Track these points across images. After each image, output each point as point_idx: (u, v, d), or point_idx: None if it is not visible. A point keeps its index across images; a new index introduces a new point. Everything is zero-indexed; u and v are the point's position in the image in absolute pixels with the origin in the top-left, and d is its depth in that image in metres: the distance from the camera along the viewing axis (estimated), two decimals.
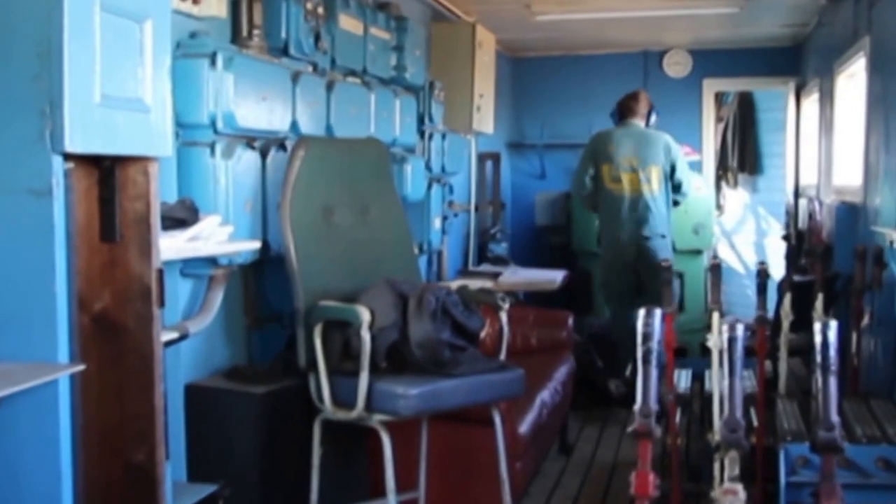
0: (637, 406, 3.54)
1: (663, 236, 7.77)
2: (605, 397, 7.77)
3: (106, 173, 2.84)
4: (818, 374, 3.61)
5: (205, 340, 4.33)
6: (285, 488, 4.30)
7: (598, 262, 8.39)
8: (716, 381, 3.75)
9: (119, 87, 2.69)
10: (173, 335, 3.77)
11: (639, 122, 7.98)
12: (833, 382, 3.58)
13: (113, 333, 2.87)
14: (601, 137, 7.98)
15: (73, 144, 2.52)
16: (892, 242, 4.26)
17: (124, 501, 2.89)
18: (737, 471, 3.50)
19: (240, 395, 4.20)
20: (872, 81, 6.18)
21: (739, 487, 3.48)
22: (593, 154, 7.89)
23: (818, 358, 3.60)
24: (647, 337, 3.60)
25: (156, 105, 2.86)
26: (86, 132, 2.56)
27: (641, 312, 3.66)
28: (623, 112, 8.04)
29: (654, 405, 3.52)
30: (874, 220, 5.66)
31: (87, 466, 2.83)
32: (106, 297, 2.87)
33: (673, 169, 7.84)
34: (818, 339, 3.60)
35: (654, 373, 3.55)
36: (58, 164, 2.53)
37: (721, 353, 3.69)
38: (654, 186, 7.76)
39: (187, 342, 4.00)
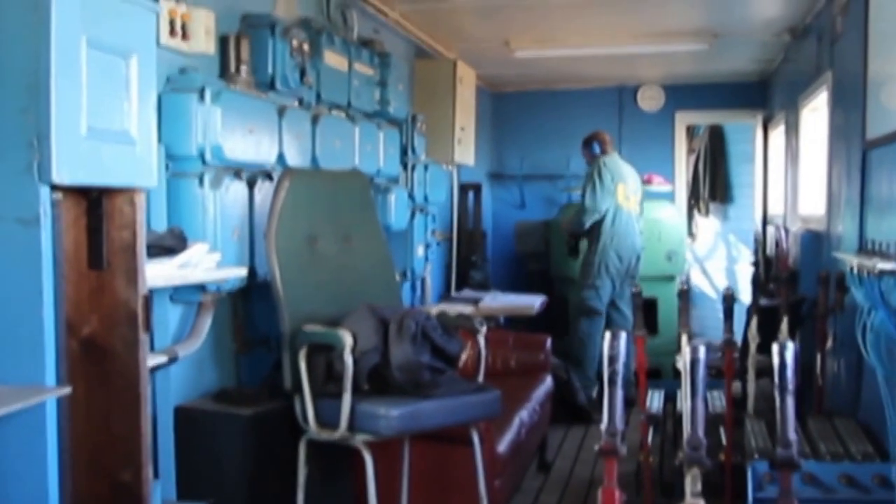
0: (603, 425, 3.54)
1: (643, 248, 8.51)
2: (582, 415, 7.79)
3: (93, 203, 2.84)
4: (777, 394, 3.62)
5: (194, 364, 4.31)
6: None
7: (574, 285, 8.59)
8: (683, 401, 3.75)
9: (105, 120, 2.70)
10: (163, 359, 3.76)
11: (615, 154, 8.58)
12: (790, 402, 3.59)
13: (100, 357, 2.86)
14: (613, 162, 8.45)
15: (61, 176, 2.52)
16: (852, 268, 4.27)
17: None
18: (699, 487, 3.50)
19: (228, 416, 4.18)
20: (834, 114, 6.20)
21: (702, 502, 3.48)
22: (613, 177, 8.29)
23: (777, 378, 3.61)
24: (612, 359, 3.60)
25: (141, 137, 2.86)
26: (73, 164, 2.56)
27: (608, 335, 3.66)
28: (605, 145, 8.54)
29: (619, 424, 3.52)
30: (837, 247, 5.67)
31: (76, 486, 2.81)
32: (94, 322, 2.86)
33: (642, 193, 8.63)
34: (776, 360, 3.61)
35: (619, 393, 3.55)
36: (45, 194, 2.53)
37: (687, 373, 3.69)
38: (640, 208, 8.53)
39: (177, 366, 3.99)
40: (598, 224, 8.26)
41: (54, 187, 2.57)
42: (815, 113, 7.09)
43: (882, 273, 3.84)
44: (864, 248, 4.82)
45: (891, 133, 4.55)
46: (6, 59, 2.51)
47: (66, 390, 2.63)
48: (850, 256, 4.60)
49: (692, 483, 3.48)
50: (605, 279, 8.25)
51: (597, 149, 8.52)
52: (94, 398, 2.84)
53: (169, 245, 3.61)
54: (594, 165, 8.35)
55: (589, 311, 8.26)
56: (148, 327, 2.93)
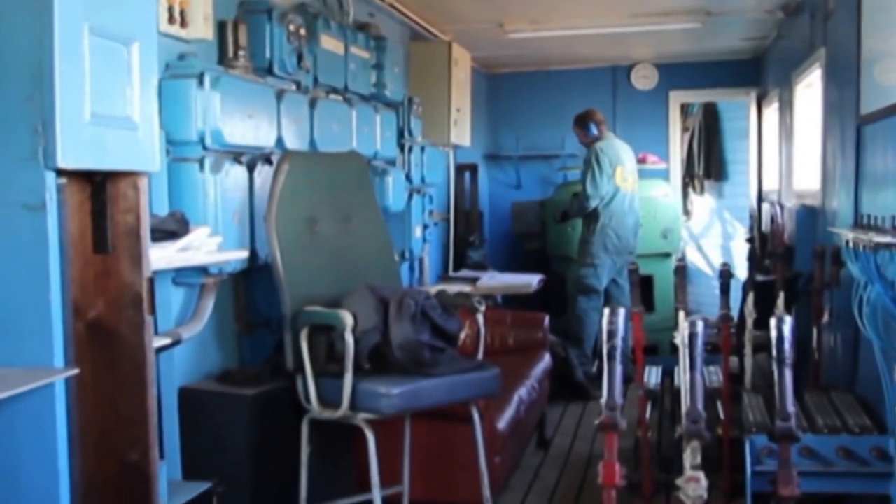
0: (603, 400, 3.58)
1: (641, 225, 8.70)
2: (580, 392, 7.84)
3: (98, 188, 2.85)
4: (775, 367, 3.66)
5: (197, 346, 4.34)
6: (276, 484, 4.31)
7: (573, 264, 8.75)
8: (682, 376, 3.78)
9: (108, 106, 2.71)
10: (167, 341, 3.78)
11: (610, 134, 8.70)
12: (789, 374, 3.63)
13: (106, 339, 2.88)
14: (610, 146, 8.53)
15: (65, 161, 2.54)
16: (848, 242, 4.29)
17: (120, 499, 2.90)
18: (699, 459, 3.55)
19: (231, 397, 4.21)
20: (828, 90, 6.22)
21: (701, 475, 3.53)
22: (611, 161, 8.40)
23: (774, 351, 3.64)
24: (611, 335, 3.64)
25: (144, 122, 2.88)
26: (77, 149, 2.58)
27: (606, 311, 3.70)
28: (601, 125, 8.64)
29: (619, 399, 3.56)
30: (832, 222, 5.70)
31: (84, 466, 2.84)
32: (99, 305, 2.88)
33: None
34: (774, 333, 3.64)
35: (618, 368, 3.59)
36: (51, 179, 2.55)
37: (685, 348, 3.73)
38: (636, 186, 8.69)
39: (181, 347, 4.01)
40: (600, 207, 8.36)
41: (59, 172, 2.58)
42: (809, 89, 7.11)
43: (878, 247, 3.85)
44: (859, 223, 4.84)
45: (885, 108, 4.57)
46: (10, 48, 2.52)
47: (74, 371, 2.65)
48: (846, 231, 4.62)
49: (692, 455, 3.53)
50: (604, 258, 8.34)
51: (593, 130, 8.60)
52: (101, 380, 2.86)
53: (171, 229, 3.63)
54: (592, 152, 8.42)
55: (587, 289, 8.32)
56: (152, 310, 2.95)
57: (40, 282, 2.57)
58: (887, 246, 3.77)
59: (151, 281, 2.94)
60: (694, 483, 3.50)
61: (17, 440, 2.59)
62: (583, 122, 8.67)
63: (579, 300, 8.36)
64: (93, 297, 2.87)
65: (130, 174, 2.90)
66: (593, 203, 8.31)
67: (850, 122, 5.34)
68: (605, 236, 8.35)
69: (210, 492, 3.81)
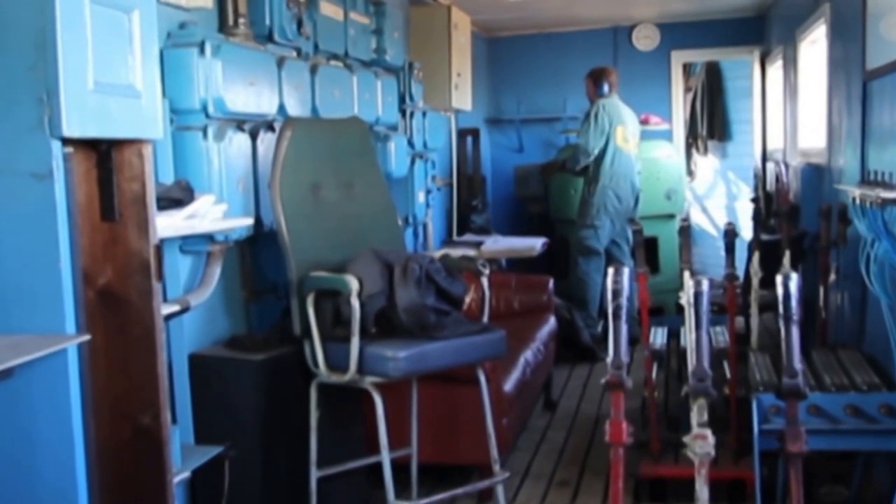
0: (609, 359, 3.61)
1: (641, 189, 8.69)
2: (586, 354, 7.91)
3: (103, 156, 2.89)
4: (782, 325, 3.68)
5: (205, 312, 4.38)
6: (286, 448, 4.37)
7: (575, 226, 8.72)
8: (688, 335, 3.81)
9: (111, 75, 2.74)
10: (175, 308, 3.83)
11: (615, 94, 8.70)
12: (795, 332, 3.65)
13: (116, 306, 2.93)
14: (613, 105, 8.57)
15: (71, 129, 2.57)
16: (855, 199, 4.29)
17: (133, 462, 2.96)
18: (706, 417, 3.58)
19: (240, 362, 4.26)
20: (833, 47, 6.21)
21: (708, 432, 3.57)
22: (610, 121, 8.42)
23: (781, 309, 3.67)
24: (616, 294, 3.67)
25: (146, 90, 2.91)
26: (82, 118, 2.61)
27: (611, 271, 3.73)
28: (612, 84, 8.68)
29: (625, 358, 3.60)
30: (838, 180, 5.70)
31: (99, 430, 2.90)
32: (108, 273, 2.93)
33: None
34: (780, 290, 3.66)
35: (624, 327, 3.62)
36: (57, 148, 2.59)
37: (690, 307, 3.75)
38: (637, 149, 8.74)
39: (189, 314, 4.05)
40: (598, 165, 8.41)
41: (65, 141, 2.62)
42: (814, 46, 7.10)
43: (885, 203, 3.85)
44: (866, 180, 4.83)
45: (892, 62, 4.56)
46: (13, 18, 2.55)
47: (86, 337, 2.70)
48: (853, 188, 4.62)
49: (698, 413, 3.57)
50: (605, 219, 8.39)
51: (605, 88, 8.64)
52: (112, 346, 2.91)
53: (177, 197, 3.66)
54: (593, 107, 8.46)
55: (587, 250, 8.37)
56: (160, 276, 2.99)
57: (50, 249, 2.61)
58: (895, 202, 3.79)
59: (159, 248, 2.99)
60: (701, 440, 3.54)
61: (33, 406, 2.64)
62: (598, 77, 8.69)
63: (580, 262, 8.41)
64: (102, 265, 2.92)
65: (135, 142, 2.94)
66: (582, 158, 8.39)
67: (856, 77, 5.34)
68: (605, 197, 8.39)
69: (222, 456, 3.87)
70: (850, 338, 5.44)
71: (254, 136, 4.54)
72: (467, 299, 4.89)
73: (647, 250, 5.64)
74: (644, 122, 9.95)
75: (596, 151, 8.38)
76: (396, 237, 4.95)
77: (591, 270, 8.36)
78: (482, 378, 4.53)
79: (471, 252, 6.97)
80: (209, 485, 4.01)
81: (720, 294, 5.76)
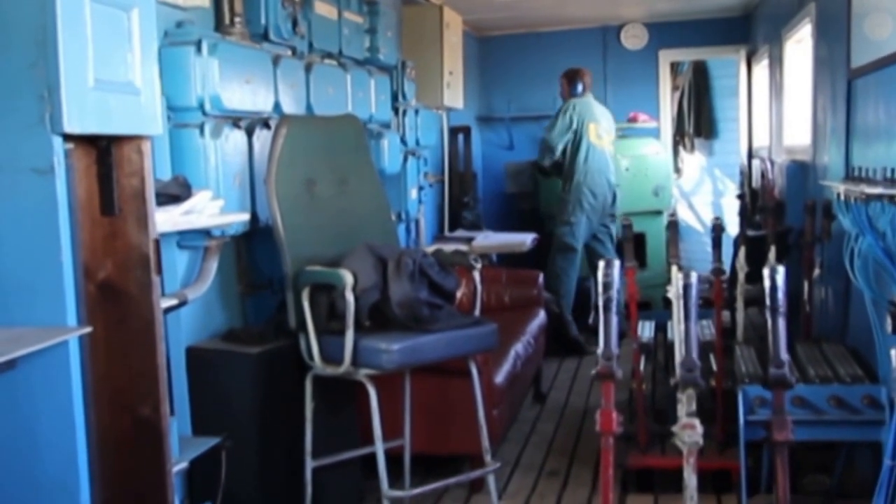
0: (600, 350, 3.63)
1: (618, 185, 8.77)
2: (575, 348, 7.94)
3: (103, 152, 2.90)
4: (768, 316, 3.70)
5: (203, 306, 4.39)
6: (282, 439, 4.38)
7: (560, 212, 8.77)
8: (676, 327, 3.83)
9: (111, 72, 2.75)
10: (173, 302, 3.84)
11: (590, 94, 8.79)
12: (782, 323, 3.67)
13: (116, 299, 2.94)
14: (584, 104, 8.62)
15: (71, 126, 2.58)
16: (839, 195, 4.31)
17: (134, 452, 2.97)
18: (694, 407, 3.61)
19: (237, 355, 4.27)
20: (818, 46, 6.23)
21: (697, 422, 3.59)
22: (580, 118, 8.47)
23: (768, 301, 3.69)
24: (607, 286, 3.69)
25: (145, 87, 2.92)
26: (82, 114, 2.62)
27: (601, 264, 3.75)
28: (586, 85, 8.73)
29: (614, 349, 3.62)
30: (823, 176, 5.71)
31: (99, 420, 2.91)
32: (109, 266, 2.94)
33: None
34: (767, 283, 3.68)
35: (614, 319, 3.64)
36: (58, 144, 2.59)
37: (678, 300, 3.77)
38: (612, 147, 8.80)
39: (186, 308, 4.07)
40: (572, 162, 8.50)
41: (66, 137, 2.63)
42: (799, 45, 7.11)
43: (869, 198, 3.86)
44: (850, 176, 4.84)
45: (876, 61, 4.58)
46: (15, 16, 2.55)
47: (87, 330, 2.71)
48: (838, 184, 4.63)
49: (687, 403, 3.59)
50: (580, 216, 8.44)
51: (579, 88, 8.71)
52: (112, 338, 2.92)
53: (174, 193, 3.67)
54: (563, 106, 8.61)
55: (563, 247, 8.44)
56: (159, 270, 3.00)
57: (51, 244, 2.62)
58: (878, 197, 3.79)
59: (158, 242, 3.00)
60: (690, 430, 3.56)
61: (35, 397, 2.66)
62: (572, 77, 8.77)
63: (556, 258, 8.46)
64: (102, 259, 2.93)
65: (134, 138, 2.95)
66: (547, 154, 8.54)
67: (840, 76, 5.35)
68: (580, 194, 8.44)
69: (219, 446, 3.88)
70: (833, 331, 5.47)
71: (250, 133, 4.54)
72: (459, 294, 4.90)
73: (635, 246, 5.65)
74: (632, 120, 10.00)
75: (560, 147, 8.46)
76: (390, 232, 4.96)
77: (566, 267, 8.42)
78: (474, 370, 4.54)
79: (462, 247, 7.00)
80: (206, 475, 4.01)
81: (706, 288, 5.78)
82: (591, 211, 8.45)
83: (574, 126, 8.44)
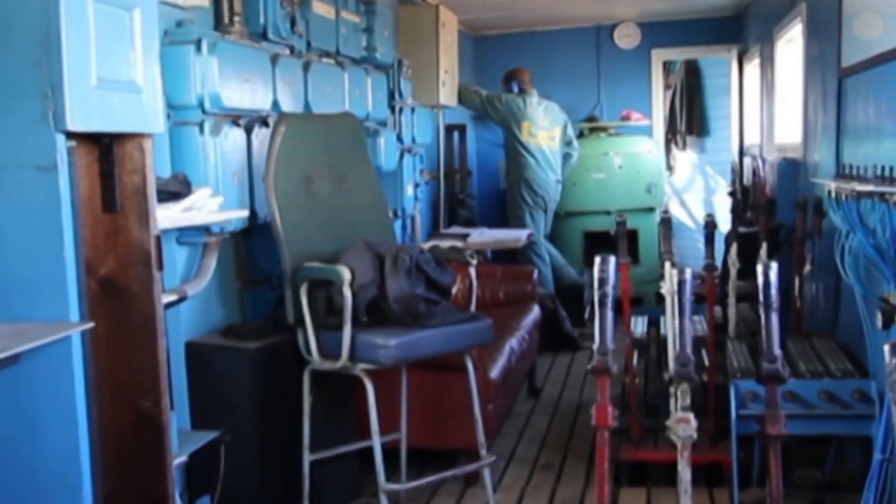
0: (595, 345, 3.63)
1: (559, 181, 9.09)
2: (569, 343, 7.94)
3: (105, 150, 2.89)
4: (761, 312, 3.71)
5: (202, 302, 4.39)
6: (280, 433, 4.39)
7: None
8: (669, 323, 3.84)
9: (113, 71, 2.75)
10: (173, 297, 3.83)
11: (533, 92, 9.08)
12: (775, 319, 3.68)
13: (118, 295, 2.94)
14: (515, 101, 9.02)
15: (74, 124, 2.58)
16: (830, 192, 4.32)
17: (135, 445, 2.97)
18: (688, 401, 3.61)
19: (235, 350, 4.28)
20: (809, 45, 6.23)
21: (691, 416, 3.60)
22: (506, 110, 8.93)
23: (761, 296, 3.70)
24: (602, 282, 3.69)
25: (147, 86, 2.92)
26: (85, 112, 2.62)
27: (597, 260, 3.75)
28: (524, 84, 9.16)
29: (610, 344, 3.63)
30: (814, 173, 5.72)
31: (101, 414, 2.90)
32: (110, 263, 2.93)
33: (565, 129, 9.20)
34: (761, 279, 3.70)
35: (609, 315, 3.65)
36: (61, 142, 2.59)
37: (672, 296, 3.78)
38: (555, 143, 9.08)
39: (186, 304, 4.07)
40: (509, 160, 9.05)
41: (69, 135, 2.63)
42: (790, 44, 7.12)
43: (860, 195, 3.88)
44: (841, 173, 4.85)
45: (866, 60, 4.59)
46: (19, 16, 2.55)
47: (89, 325, 2.71)
48: (828, 181, 4.64)
49: (681, 397, 3.59)
50: (525, 210, 8.79)
51: (514, 88, 9.12)
52: (114, 333, 2.92)
53: (174, 190, 3.67)
54: (499, 96, 9.03)
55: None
56: (161, 266, 3.00)
57: (54, 240, 2.62)
58: (869, 194, 3.80)
59: (159, 239, 3.00)
60: (684, 423, 3.57)
61: (38, 391, 2.66)
62: (508, 77, 9.28)
63: (525, 252, 8.63)
64: (104, 255, 2.92)
65: (136, 136, 2.94)
66: (473, 95, 8.96)
67: (831, 75, 5.36)
68: (520, 188, 8.84)
69: (217, 440, 3.88)
70: (824, 326, 5.48)
71: (248, 131, 4.54)
72: (454, 289, 4.90)
73: (628, 242, 5.66)
74: (625, 118, 10.01)
75: (477, 102, 8.95)
76: (387, 229, 4.97)
77: (531, 257, 8.63)
78: (469, 365, 4.55)
79: (458, 243, 7.00)
80: (205, 468, 4.01)
81: (698, 284, 5.78)
82: (533, 206, 8.79)
83: (498, 118, 9.01)
